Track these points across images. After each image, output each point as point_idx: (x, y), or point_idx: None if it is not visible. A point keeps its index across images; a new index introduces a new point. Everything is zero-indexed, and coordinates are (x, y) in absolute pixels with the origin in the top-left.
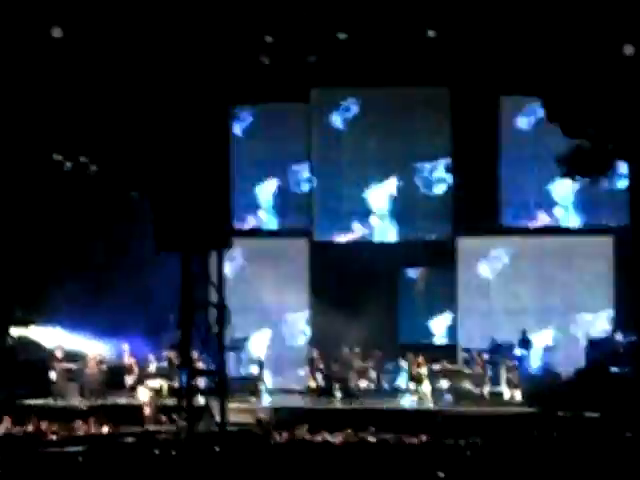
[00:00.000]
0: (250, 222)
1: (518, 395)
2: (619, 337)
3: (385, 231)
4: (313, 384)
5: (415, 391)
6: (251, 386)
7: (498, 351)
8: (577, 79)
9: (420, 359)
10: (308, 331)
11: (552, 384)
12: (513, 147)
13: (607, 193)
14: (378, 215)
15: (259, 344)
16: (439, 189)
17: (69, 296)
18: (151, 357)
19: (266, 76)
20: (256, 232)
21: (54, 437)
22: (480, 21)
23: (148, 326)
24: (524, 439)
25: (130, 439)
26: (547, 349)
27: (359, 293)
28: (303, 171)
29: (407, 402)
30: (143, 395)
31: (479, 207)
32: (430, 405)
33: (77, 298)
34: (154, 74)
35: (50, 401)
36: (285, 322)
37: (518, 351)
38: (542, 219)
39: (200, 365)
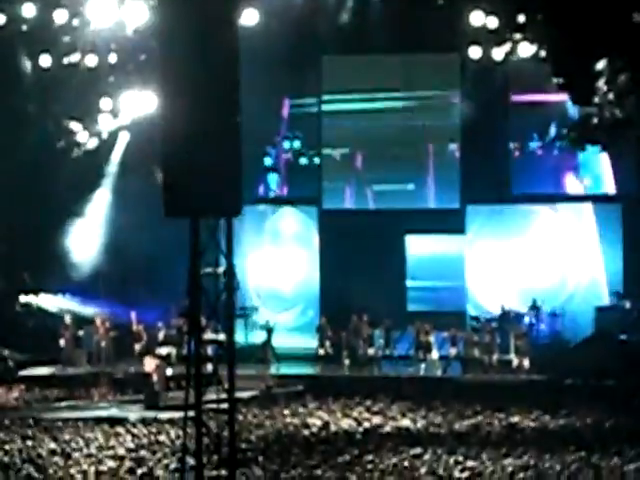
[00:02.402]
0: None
1: (526, 363)
2: (627, 304)
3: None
4: (322, 351)
5: (423, 359)
6: (260, 353)
7: (507, 319)
8: (587, 45)
9: (428, 327)
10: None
11: (561, 352)
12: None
13: (615, 161)
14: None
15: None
16: (450, 158)
17: (78, 264)
18: (160, 325)
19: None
20: (266, 200)
21: (62, 404)
22: None
23: (158, 294)
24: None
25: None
26: (556, 316)
27: (368, 261)
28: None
29: (415, 370)
30: (150, 363)
31: (489, 176)
32: (438, 373)
33: (86, 266)
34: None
35: (59, 368)
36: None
37: (527, 318)
38: (550, 188)
39: (209, 333)
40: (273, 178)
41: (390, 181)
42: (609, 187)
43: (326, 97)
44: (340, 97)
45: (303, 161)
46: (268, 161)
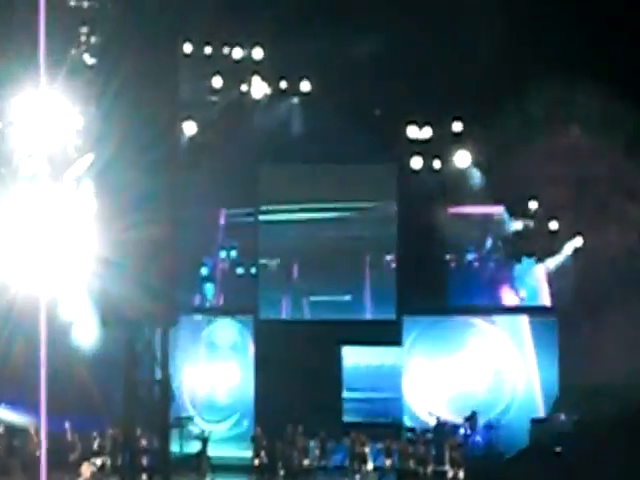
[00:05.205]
0: (196, 299)
1: (461, 474)
2: (562, 417)
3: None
4: (257, 462)
5: (358, 470)
6: (195, 463)
7: (442, 430)
8: (522, 160)
9: (363, 438)
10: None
11: (495, 463)
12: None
13: (551, 273)
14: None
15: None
16: (386, 269)
17: (12, 370)
18: (94, 434)
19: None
20: (202, 309)
21: None
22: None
23: (93, 403)
24: None
25: None
26: (491, 428)
27: (304, 371)
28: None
29: None
30: (85, 473)
31: (426, 287)
32: None
33: (21, 372)
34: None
35: None
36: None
37: (462, 430)
38: (486, 300)
39: (143, 443)
40: (209, 288)
41: (326, 292)
42: (545, 299)
43: (263, 207)
44: (277, 207)
45: (239, 271)
46: (204, 271)
